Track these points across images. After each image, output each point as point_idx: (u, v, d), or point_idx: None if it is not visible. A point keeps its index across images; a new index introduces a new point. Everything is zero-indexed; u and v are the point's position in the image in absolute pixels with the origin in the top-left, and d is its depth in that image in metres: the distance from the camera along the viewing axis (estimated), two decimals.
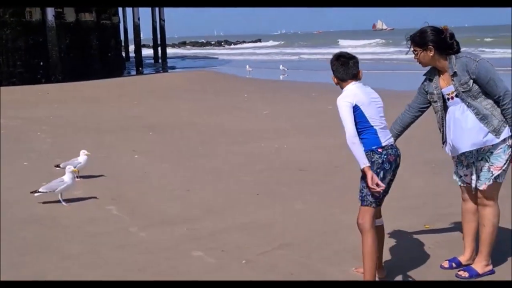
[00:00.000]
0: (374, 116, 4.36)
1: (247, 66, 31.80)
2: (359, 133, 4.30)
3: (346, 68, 4.45)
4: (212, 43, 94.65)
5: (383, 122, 4.43)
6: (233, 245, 5.67)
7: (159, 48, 43.54)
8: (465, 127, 4.59)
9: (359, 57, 4.84)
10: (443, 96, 4.69)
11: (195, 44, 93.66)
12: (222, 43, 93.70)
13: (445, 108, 4.73)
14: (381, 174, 4.34)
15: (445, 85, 4.66)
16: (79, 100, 19.46)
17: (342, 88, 4.47)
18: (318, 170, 8.76)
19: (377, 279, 4.61)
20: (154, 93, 21.56)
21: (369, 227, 4.37)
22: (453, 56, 4.57)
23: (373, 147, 4.34)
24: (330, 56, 4.62)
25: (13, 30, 26.83)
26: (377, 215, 4.67)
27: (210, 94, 20.58)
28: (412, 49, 4.66)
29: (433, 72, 4.74)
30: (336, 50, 5.42)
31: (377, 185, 4.26)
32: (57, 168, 8.25)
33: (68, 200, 7.27)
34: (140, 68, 34.77)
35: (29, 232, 6.21)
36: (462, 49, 4.64)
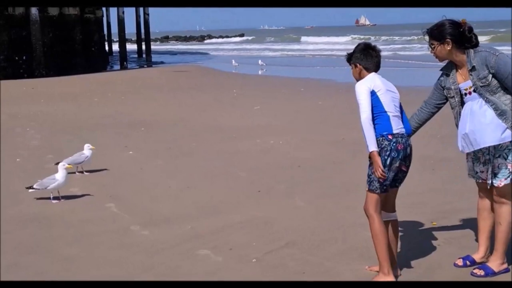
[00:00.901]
0: (389, 103, 4.47)
1: (233, 61, 31.65)
2: (373, 118, 4.41)
3: (372, 58, 4.57)
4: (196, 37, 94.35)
5: (397, 111, 4.52)
6: (239, 243, 5.56)
7: (143, 43, 43.13)
8: (483, 122, 4.49)
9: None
10: (460, 91, 4.61)
11: (178, 38, 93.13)
12: (206, 38, 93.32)
13: (462, 104, 4.64)
14: (388, 161, 4.42)
15: (463, 80, 4.58)
16: (65, 95, 19.17)
17: (361, 77, 4.55)
18: (316, 167, 8.66)
19: (392, 277, 4.54)
20: (141, 88, 21.32)
21: (372, 212, 4.47)
22: (471, 50, 4.49)
23: (384, 133, 4.43)
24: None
25: None
26: (390, 208, 4.68)
27: (198, 90, 20.41)
28: (429, 42, 4.57)
29: (450, 67, 4.65)
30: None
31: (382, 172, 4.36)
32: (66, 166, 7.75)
33: (65, 198, 7.10)
34: (125, 63, 34.39)
35: (27, 231, 6.04)
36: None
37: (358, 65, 4.58)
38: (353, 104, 4.62)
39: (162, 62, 38.28)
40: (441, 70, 4.75)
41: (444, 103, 4.79)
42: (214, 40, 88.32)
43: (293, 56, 43.71)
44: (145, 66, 36.49)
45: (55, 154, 9.73)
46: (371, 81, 4.48)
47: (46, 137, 11.50)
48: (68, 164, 7.48)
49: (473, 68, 4.48)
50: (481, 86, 4.46)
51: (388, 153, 4.40)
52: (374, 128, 4.40)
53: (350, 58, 4.66)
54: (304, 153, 9.62)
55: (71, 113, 14.83)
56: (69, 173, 8.20)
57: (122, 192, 7.49)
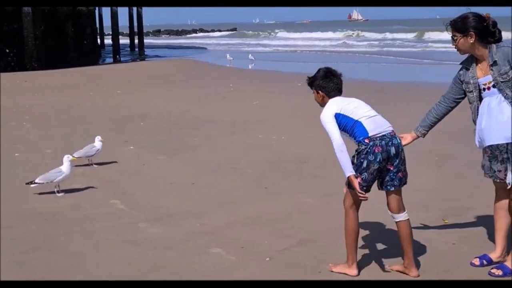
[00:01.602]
0: (356, 112, 4.49)
1: (228, 55, 31.49)
2: (352, 131, 4.46)
3: (333, 84, 4.61)
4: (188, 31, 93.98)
5: (369, 113, 4.52)
6: (250, 241, 5.46)
7: (136, 37, 42.85)
8: (500, 118, 4.42)
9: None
10: (478, 86, 4.53)
11: (170, 32, 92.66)
12: (197, 32, 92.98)
13: (480, 99, 4.56)
14: (365, 164, 4.46)
15: (482, 75, 4.50)
16: (58, 88, 18.98)
17: (324, 102, 4.61)
18: (321, 163, 8.57)
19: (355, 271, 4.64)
20: (136, 82, 21.14)
21: (348, 207, 4.61)
22: (494, 45, 4.41)
23: (360, 138, 4.44)
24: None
25: None
26: (395, 210, 4.61)
27: (194, 83, 20.27)
28: (451, 34, 4.50)
29: (470, 61, 4.57)
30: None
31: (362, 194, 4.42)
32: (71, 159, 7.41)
33: (65, 191, 6.96)
34: (118, 56, 34.14)
35: (32, 227, 5.90)
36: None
37: (320, 92, 4.61)
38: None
39: (156, 56, 38.05)
40: (460, 63, 4.67)
41: (463, 98, 4.71)
42: (194, 34, 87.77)
43: (285, 51, 43.70)
44: (138, 59, 36.25)
45: (54, 148, 9.59)
46: (331, 107, 4.51)
47: (43, 131, 11.34)
48: (78, 157, 7.69)
49: (494, 63, 4.40)
50: (501, 82, 4.39)
51: (363, 155, 4.44)
52: (354, 138, 4.48)
53: (311, 83, 4.68)
54: (308, 149, 9.53)
55: (66, 107, 14.65)
56: (83, 165, 8.15)
57: (126, 188, 7.36)
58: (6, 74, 23.78)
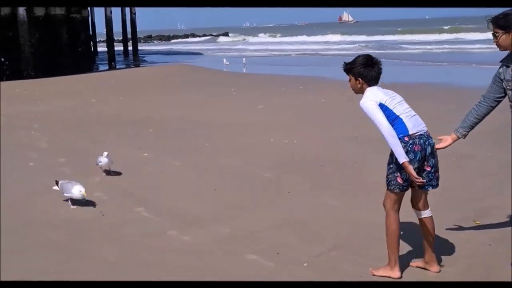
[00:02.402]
0: (398, 107, 4.47)
1: (224, 60, 31.46)
2: (391, 125, 4.41)
3: (374, 71, 4.54)
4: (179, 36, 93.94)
5: (409, 112, 4.51)
6: (284, 246, 5.43)
7: (130, 43, 42.73)
8: None
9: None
10: None
11: (162, 38, 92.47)
12: (189, 36, 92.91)
13: None
14: None
15: None
16: (60, 96, 18.85)
17: (361, 91, 4.57)
18: (339, 166, 8.56)
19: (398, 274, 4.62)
20: (136, 88, 21.03)
21: (389, 208, 4.61)
22: None
23: (400, 135, 4.42)
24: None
25: None
26: (421, 207, 4.67)
27: (193, 88, 20.19)
28: (492, 31, 4.49)
29: (510, 59, 4.55)
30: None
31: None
32: None
33: (91, 202, 6.90)
34: (113, 63, 34.01)
35: (61, 236, 5.84)
36: None
37: (359, 79, 4.55)
38: (359, 101, 4.56)
39: (151, 62, 37.94)
40: (500, 61, 4.65)
41: (504, 97, 4.71)
42: (179, 40, 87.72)
43: (279, 55, 43.78)
44: (133, 66, 36.12)
45: (67, 156, 9.52)
46: (375, 95, 4.47)
47: (53, 139, 11.24)
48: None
49: None
50: None
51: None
52: None
53: (349, 69, 4.62)
54: (321, 151, 9.51)
55: (71, 114, 14.54)
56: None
57: (147, 195, 7.30)
58: (4, 83, 23.57)
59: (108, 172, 8.31)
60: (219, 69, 29.28)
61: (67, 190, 6.72)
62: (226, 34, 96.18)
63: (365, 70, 4.51)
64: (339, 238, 5.60)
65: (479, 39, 39.70)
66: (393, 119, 4.42)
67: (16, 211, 6.72)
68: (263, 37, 79.98)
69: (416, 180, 4.38)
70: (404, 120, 4.43)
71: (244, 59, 32.20)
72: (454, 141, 4.88)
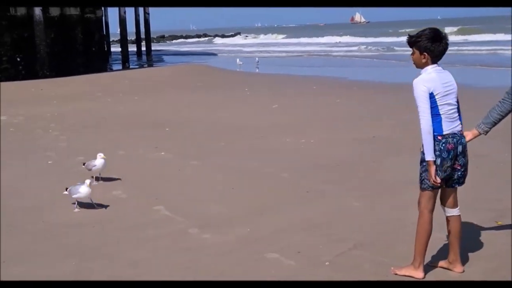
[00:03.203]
0: (445, 105, 4.39)
1: (238, 60, 31.54)
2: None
3: (440, 46, 4.38)
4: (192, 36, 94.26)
5: (452, 113, 4.44)
6: (305, 246, 5.43)
7: (143, 43, 42.88)
8: None
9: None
10: None
11: (174, 38, 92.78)
12: (201, 37, 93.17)
13: None
14: (438, 161, 4.43)
15: None
16: (75, 96, 18.98)
17: (421, 67, 4.42)
18: (356, 166, 8.54)
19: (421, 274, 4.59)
20: (150, 88, 21.13)
21: (422, 208, 4.54)
22: None
23: (434, 134, 4.39)
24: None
25: None
26: (450, 205, 4.66)
27: (208, 88, 20.26)
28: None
29: None
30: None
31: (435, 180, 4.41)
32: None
33: (111, 201, 6.94)
34: (127, 64, 34.14)
35: (84, 236, 5.88)
36: None
37: (425, 54, 4.38)
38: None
39: (164, 62, 38.07)
40: None
41: None
42: (192, 40, 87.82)
43: (291, 56, 43.79)
44: (146, 66, 36.24)
45: (85, 155, 9.57)
46: (431, 82, 4.35)
47: (71, 138, 11.33)
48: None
49: None
50: None
51: (438, 153, 4.41)
52: None
53: (414, 42, 4.43)
54: (339, 151, 9.50)
55: (87, 114, 14.63)
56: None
57: (166, 194, 7.33)
58: (19, 83, 23.81)
59: (98, 179, 7.85)
60: (232, 69, 29.35)
61: (75, 191, 6.68)
62: (238, 34, 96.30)
63: (432, 45, 4.34)
64: (360, 238, 5.59)
65: (485, 41, 39.58)
66: (434, 114, 4.36)
67: (38, 211, 6.78)
68: (274, 38, 79.82)
69: (434, 181, 4.39)
70: (443, 120, 4.39)
71: (256, 58, 32.29)
72: (474, 137, 4.81)
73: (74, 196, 6.71)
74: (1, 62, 26.28)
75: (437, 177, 4.39)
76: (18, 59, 26.94)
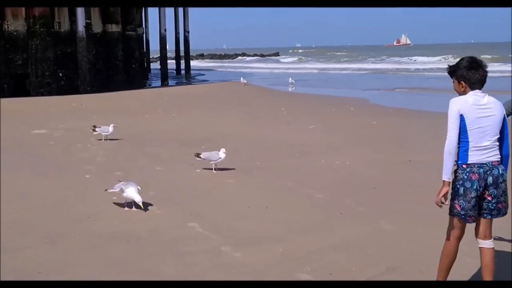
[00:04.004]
0: (475, 131, 4.31)
1: (290, 79, 32.17)
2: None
3: (477, 75, 4.37)
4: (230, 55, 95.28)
5: (485, 139, 4.32)
6: (337, 267, 5.42)
7: (182, 60, 43.47)
8: None
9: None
10: None
11: (213, 56, 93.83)
12: (240, 56, 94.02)
13: None
14: (461, 190, 4.39)
15: None
16: (114, 111, 19.30)
17: (465, 93, 4.39)
18: (391, 189, 8.49)
19: None
20: (188, 105, 21.38)
21: (448, 234, 4.54)
22: None
23: (459, 162, 4.38)
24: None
25: (43, 40, 26.76)
26: (481, 236, 4.54)
27: (246, 106, 20.42)
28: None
29: None
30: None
31: (442, 202, 4.41)
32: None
33: (147, 215, 7.04)
34: (166, 81, 34.63)
35: (117, 249, 5.98)
36: None
37: (462, 82, 4.39)
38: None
39: (202, 80, 38.47)
40: None
41: None
42: (231, 59, 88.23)
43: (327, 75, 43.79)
44: (185, 83, 36.69)
45: (122, 170, 9.75)
46: (464, 104, 4.31)
47: (109, 152, 11.53)
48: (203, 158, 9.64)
49: None
50: None
51: (461, 182, 4.38)
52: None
53: (452, 72, 4.46)
54: (374, 174, 9.45)
55: (126, 129, 14.87)
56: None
57: (201, 210, 7.40)
58: (60, 97, 24.37)
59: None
60: (268, 87, 29.53)
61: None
62: (277, 54, 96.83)
63: (468, 73, 4.35)
64: (393, 262, 5.56)
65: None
66: (462, 141, 4.32)
67: (75, 223, 6.91)
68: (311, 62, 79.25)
69: (438, 202, 4.40)
70: (470, 149, 4.32)
71: (290, 78, 32.60)
72: None
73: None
74: (44, 77, 26.97)
75: (442, 199, 4.38)
76: (60, 74, 27.61)
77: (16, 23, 26.23)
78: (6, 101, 21.95)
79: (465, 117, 4.30)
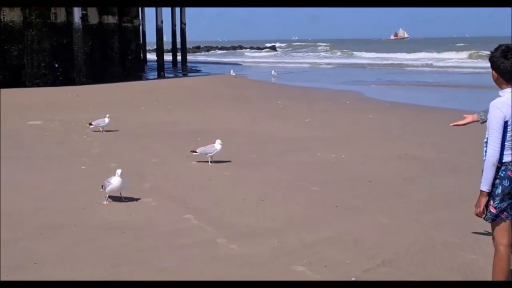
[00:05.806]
0: None
1: (273, 71, 31.90)
2: None
3: (506, 63, 4.02)
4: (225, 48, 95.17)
5: None
6: (333, 260, 5.44)
7: (178, 52, 43.35)
8: None
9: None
10: None
11: (209, 49, 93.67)
12: (237, 48, 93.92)
13: None
14: (499, 190, 4.15)
15: None
16: (110, 103, 19.25)
17: (499, 86, 4.11)
18: (387, 183, 8.50)
19: None
20: (184, 97, 21.36)
21: (497, 242, 4.17)
22: None
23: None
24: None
25: (39, 31, 26.63)
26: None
27: (241, 100, 20.40)
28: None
29: None
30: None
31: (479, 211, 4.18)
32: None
33: (142, 208, 7.05)
34: (162, 73, 34.57)
35: (113, 242, 5.98)
36: None
37: (493, 72, 4.10)
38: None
39: (198, 71, 38.40)
40: None
41: None
42: (226, 51, 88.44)
43: (323, 68, 43.80)
44: (181, 75, 36.62)
45: (118, 162, 9.73)
46: (507, 108, 4.00)
47: (105, 144, 11.52)
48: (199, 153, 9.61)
49: None
50: None
51: (498, 181, 4.12)
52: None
53: (489, 59, 4.18)
54: (370, 167, 9.46)
55: (122, 121, 14.84)
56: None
57: (196, 203, 7.41)
58: (56, 88, 24.30)
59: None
60: (264, 80, 29.51)
61: (107, 184, 7.14)
62: (273, 48, 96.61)
63: (498, 60, 4.02)
64: (389, 255, 5.57)
65: None
66: (502, 143, 4.09)
67: (70, 215, 6.91)
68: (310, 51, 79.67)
69: (480, 214, 4.15)
70: (506, 148, 4.09)
71: (273, 71, 32.53)
72: (473, 121, 4.66)
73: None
74: (39, 68, 26.86)
75: (491, 217, 4.11)
76: (56, 65, 27.49)
77: (12, 14, 26.07)
78: (1, 92, 21.86)
79: (509, 122, 4.00)
